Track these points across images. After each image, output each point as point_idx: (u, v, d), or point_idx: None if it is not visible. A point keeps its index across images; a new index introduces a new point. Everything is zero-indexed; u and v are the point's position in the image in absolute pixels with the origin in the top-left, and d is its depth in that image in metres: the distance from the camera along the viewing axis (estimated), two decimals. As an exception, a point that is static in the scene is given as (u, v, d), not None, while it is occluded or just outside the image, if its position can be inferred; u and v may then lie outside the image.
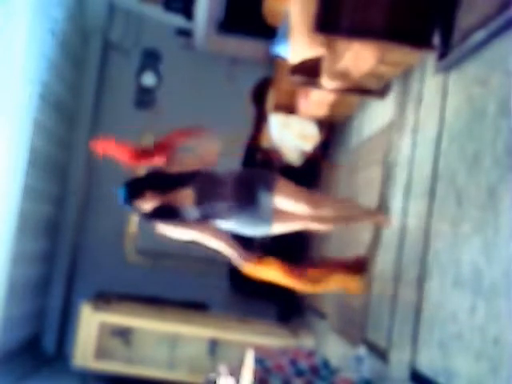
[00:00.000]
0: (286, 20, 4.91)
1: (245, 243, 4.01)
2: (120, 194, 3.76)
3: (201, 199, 3.81)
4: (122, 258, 8.01)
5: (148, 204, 3.76)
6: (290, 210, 3.94)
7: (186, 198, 3.80)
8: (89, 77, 8.29)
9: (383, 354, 3.80)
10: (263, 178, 3.94)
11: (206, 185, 3.84)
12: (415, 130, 3.85)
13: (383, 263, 4.11)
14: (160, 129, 7.78)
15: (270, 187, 3.86)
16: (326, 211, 4.11)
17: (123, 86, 8.30)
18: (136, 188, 3.77)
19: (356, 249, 4.80)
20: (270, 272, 4.13)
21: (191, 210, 3.82)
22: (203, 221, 3.85)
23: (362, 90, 4.64)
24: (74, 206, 8.22)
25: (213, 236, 3.89)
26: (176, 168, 3.87)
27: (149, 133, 8.06)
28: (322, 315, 5.89)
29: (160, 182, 3.82)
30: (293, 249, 6.83)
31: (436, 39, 3.49)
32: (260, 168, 6.72)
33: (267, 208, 3.86)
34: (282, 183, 3.93)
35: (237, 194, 3.83)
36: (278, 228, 3.99)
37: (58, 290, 8.16)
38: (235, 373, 4.38)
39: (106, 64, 8.37)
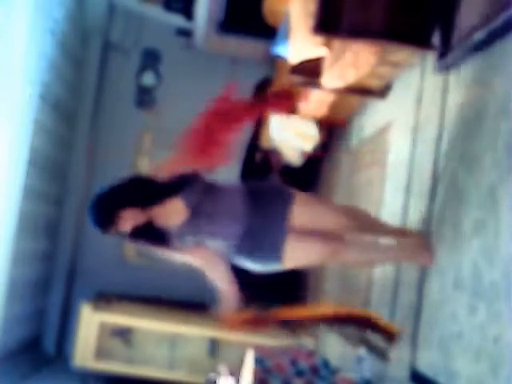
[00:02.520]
0: (286, 20, 4.91)
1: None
2: (90, 218, 2.91)
3: (195, 212, 3.01)
4: (122, 258, 8.01)
5: (127, 225, 2.91)
6: (309, 235, 3.09)
7: (174, 211, 3.00)
8: (89, 77, 8.28)
9: (383, 354, 3.80)
10: (277, 191, 3.15)
11: (200, 194, 3.03)
12: (415, 130, 3.85)
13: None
14: (160, 129, 7.84)
15: (285, 205, 3.07)
16: (360, 227, 3.25)
17: (123, 85, 8.29)
18: (109, 208, 2.89)
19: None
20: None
21: (182, 231, 3.01)
22: (198, 244, 3.05)
23: (362, 90, 4.64)
24: (74, 206, 8.21)
25: (210, 262, 3.07)
26: (165, 174, 3.03)
27: (149, 133, 8.09)
28: (322, 315, 5.88)
29: (142, 193, 2.97)
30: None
31: (436, 39, 3.49)
32: (260, 168, 6.72)
33: (278, 235, 3.03)
34: (301, 200, 3.13)
35: (242, 207, 3.04)
36: (289, 265, 3.12)
37: (58, 290, 8.15)
38: (235, 373, 4.38)
39: (106, 64, 8.36)
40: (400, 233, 3.49)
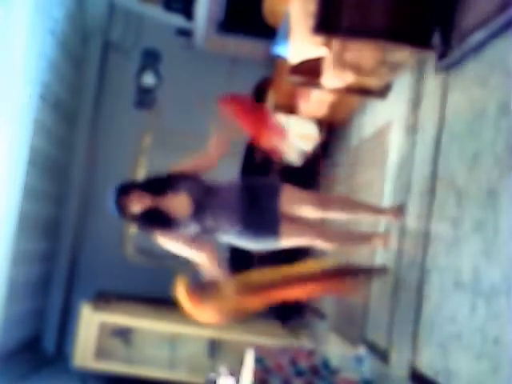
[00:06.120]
0: (286, 20, 4.91)
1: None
2: (109, 195, 3.57)
3: (199, 206, 3.57)
4: (122, 258, 8.01)
5: (136, 206, 3.52)
6: (297, 218, 3.75)
7: (181, 203, 3.57)
8: (89, 77, 8.29)
9: (383, 354, 3.80)
10: (268, 185, 3.79)
11: (203, 192, 3.61)
12: (415, 130, 3.85)
13: (383, 262, 4.11)
14: (160, 129, 7.84)
15: (275, 194, 3.69)
16: (335, 211, 3.93)
17: (123, 85, 8.30)
18: (124, 189, 3.57)
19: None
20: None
21: (188, 222, 3.56)
22: (203, 234, 3.62)
23: (362, 90, 4.64)
24: (74, 206, 8.21)
25: (207, 255, 3.62)
26: (173, 170, 3.66)
27: (149, 133, 8.09)
28: (322, 315, 5.89)
29: (152, 184, 3.61)
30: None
31: (436, 39, 3.49)
32: (260, 167, 6.72)
33: (274, 218, 3.67)
34: (288, 189, 3.76)
35: (240, 202, 3.62)
36: (286, 242, 3.73)
37: (58, 290, 8.16)
38: (235, 373, 4.38)
39: (106, 64, 8.37)
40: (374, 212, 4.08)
